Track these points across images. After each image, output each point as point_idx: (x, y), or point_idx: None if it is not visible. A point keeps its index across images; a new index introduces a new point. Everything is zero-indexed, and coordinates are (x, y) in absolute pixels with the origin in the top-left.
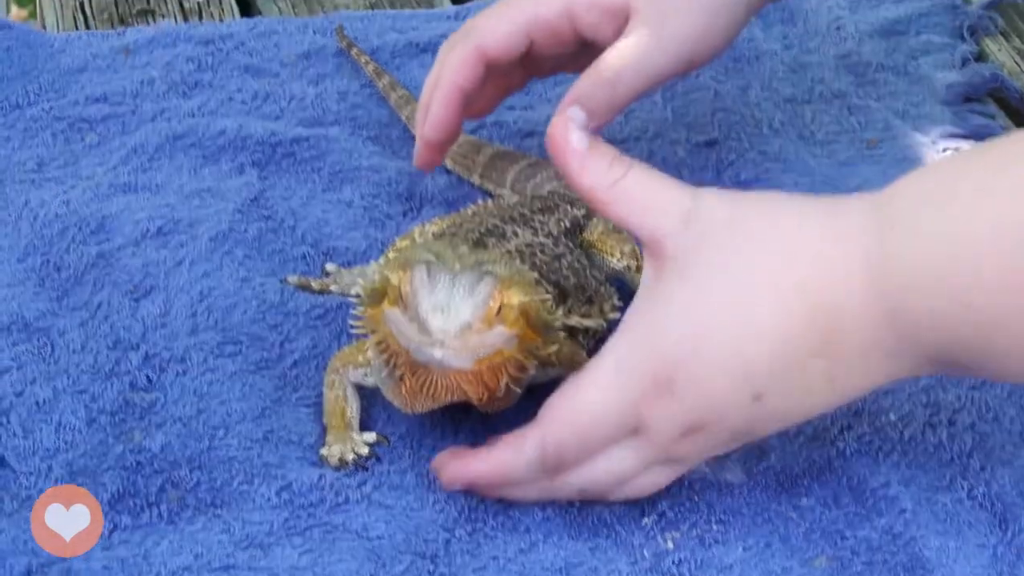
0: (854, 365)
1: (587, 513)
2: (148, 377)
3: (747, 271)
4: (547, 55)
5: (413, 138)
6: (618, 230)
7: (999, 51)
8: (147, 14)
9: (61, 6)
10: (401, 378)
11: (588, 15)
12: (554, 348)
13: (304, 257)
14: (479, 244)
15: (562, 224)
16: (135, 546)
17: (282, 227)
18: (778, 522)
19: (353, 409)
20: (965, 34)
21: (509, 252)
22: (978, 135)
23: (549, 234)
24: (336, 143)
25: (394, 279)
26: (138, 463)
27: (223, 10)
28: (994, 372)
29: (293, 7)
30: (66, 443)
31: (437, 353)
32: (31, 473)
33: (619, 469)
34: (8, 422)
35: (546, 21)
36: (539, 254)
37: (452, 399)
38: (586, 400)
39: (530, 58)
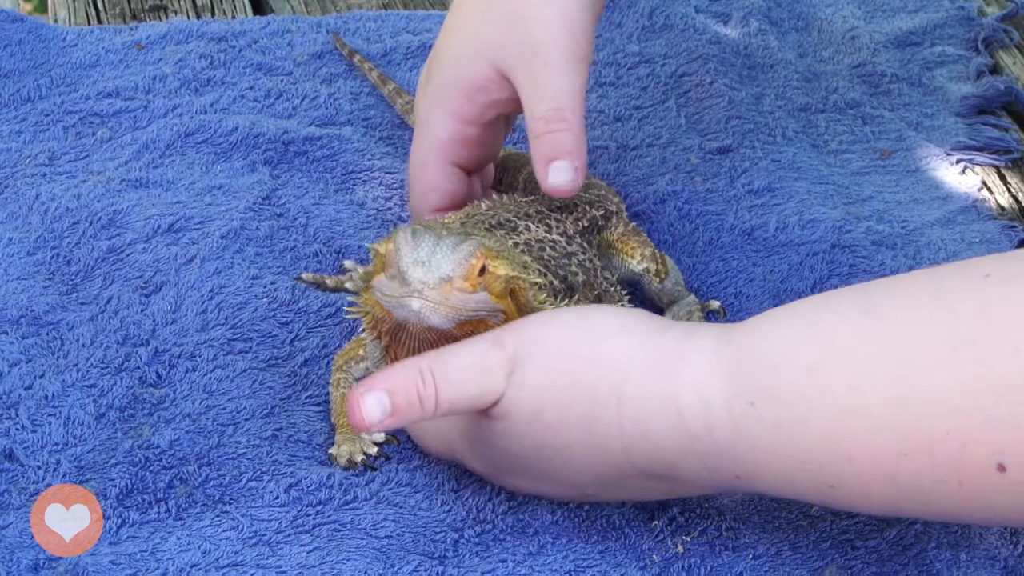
0: (691, 487)
1: (596, 516)
2: (157, 373)
3: (564, 421)
4: (485, 154)
5: None
6: (638, 233)
7: (1014, 64)
8: (159, 10)
9: (73, 0)
10: (387, 349)
11: (474, 106)
12: None
13: (316, 255)
14: (487, 233)
15: (579, 223)
16: (143, 542)
17: (294, 225)
18: (788, 530)
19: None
20: (980, 46)
21: (516, 244)
22: (991, 147)
23: (564, 232)
24: (349, 143)
25: (382, 249)
26: (147, 459)
27: (235, 7)
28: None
29: (305, 5)
30: (75, 438)
31: (415, 304)
32: (39, 467)
33: None
34: (17, 416)
35: (458, 139)
36: (548, 250)
37: None
38: (425, 439)
39: (480, 154)
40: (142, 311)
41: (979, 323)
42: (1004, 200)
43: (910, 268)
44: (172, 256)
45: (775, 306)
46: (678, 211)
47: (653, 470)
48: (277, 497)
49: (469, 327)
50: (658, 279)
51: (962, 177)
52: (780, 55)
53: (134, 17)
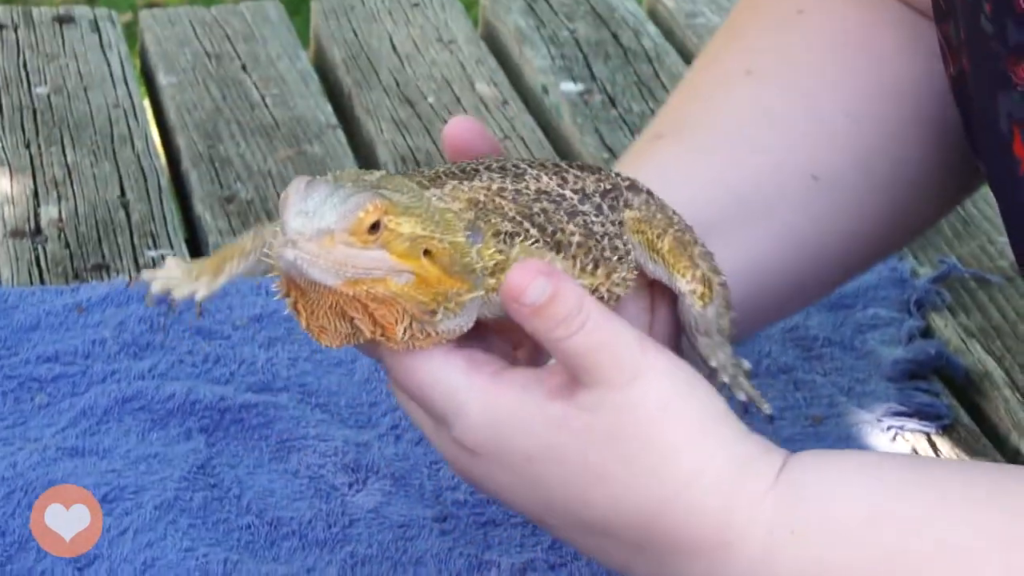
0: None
1: None
2: None
3: (621, 463)
4: None
5: (362, 406)
6: (687, 247)
7: (945, 327)
8: (101, 268)
9: (16, 259)
10: (296, 306)
11: None
12: (478, 293)
13: (249, 527)
14: (467, 176)
15: (602, 185)
16: None
17: (227, 496)
18: None
19: (235, 268)
20: (912, 309)
21: (502, 189)
22: (922, 413)
23: (580, 190)
24: (284, 410)
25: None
26: None
27: None
28: None
29: None
30: None
31: (289, 253)
32: None
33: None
34: None
35: None
36: (545, 203)
37: (352, 335)
38: (428, 380)
39: None
40: None
41: None
42: None
43: None
44: (106, 528)
45: None
46: None
47: (659, 544)
48: None
49: (363, 286)
50: (702, 303)
51: (893, 444)
52: None
53: (76, 276)
